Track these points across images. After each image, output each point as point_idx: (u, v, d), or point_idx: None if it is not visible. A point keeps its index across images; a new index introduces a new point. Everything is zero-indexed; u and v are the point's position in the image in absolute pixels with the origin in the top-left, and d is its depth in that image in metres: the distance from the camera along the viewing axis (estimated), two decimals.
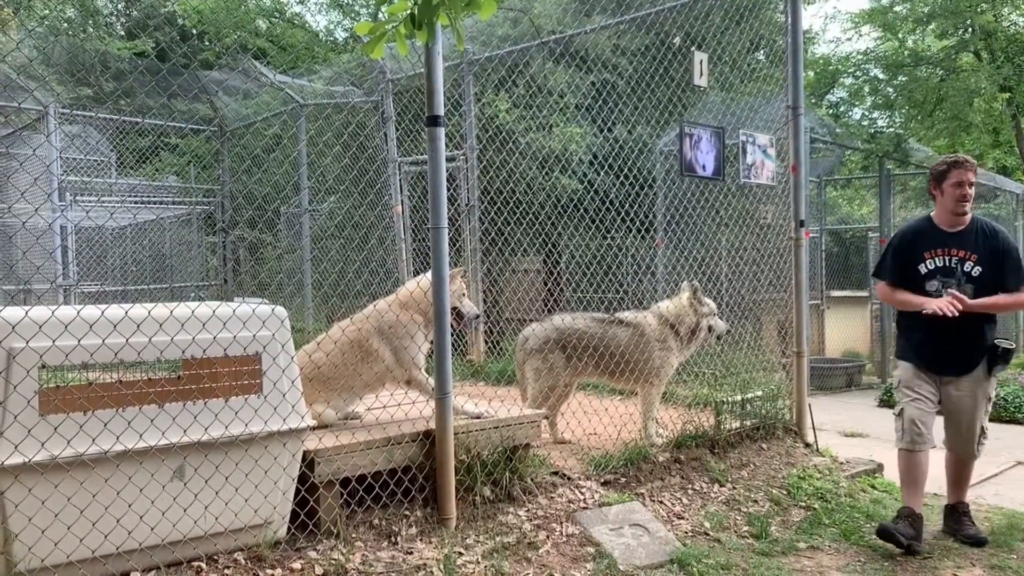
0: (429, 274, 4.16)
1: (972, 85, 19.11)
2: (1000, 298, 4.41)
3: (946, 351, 4.46)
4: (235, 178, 12.20)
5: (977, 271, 4.42)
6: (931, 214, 4.68)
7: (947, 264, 4.48)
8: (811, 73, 21.72)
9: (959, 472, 4.73)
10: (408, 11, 2.60)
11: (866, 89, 22.78)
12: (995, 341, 4.46)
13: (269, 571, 3.45)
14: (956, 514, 4.69)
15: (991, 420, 8.10)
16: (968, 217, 4.53)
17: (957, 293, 4.33)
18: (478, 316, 5.06)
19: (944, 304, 4.27)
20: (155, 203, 11.57)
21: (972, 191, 4.47)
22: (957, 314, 4.24)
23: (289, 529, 3.69)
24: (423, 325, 4.37)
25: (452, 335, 4.19)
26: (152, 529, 3.26)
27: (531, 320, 6.25)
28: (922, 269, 4.54)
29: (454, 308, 4.43)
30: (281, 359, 3.62)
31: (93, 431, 3.13)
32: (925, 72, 20.90)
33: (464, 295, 4.59)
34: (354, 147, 9.63)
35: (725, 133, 6.20)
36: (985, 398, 4.56)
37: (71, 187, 10.20)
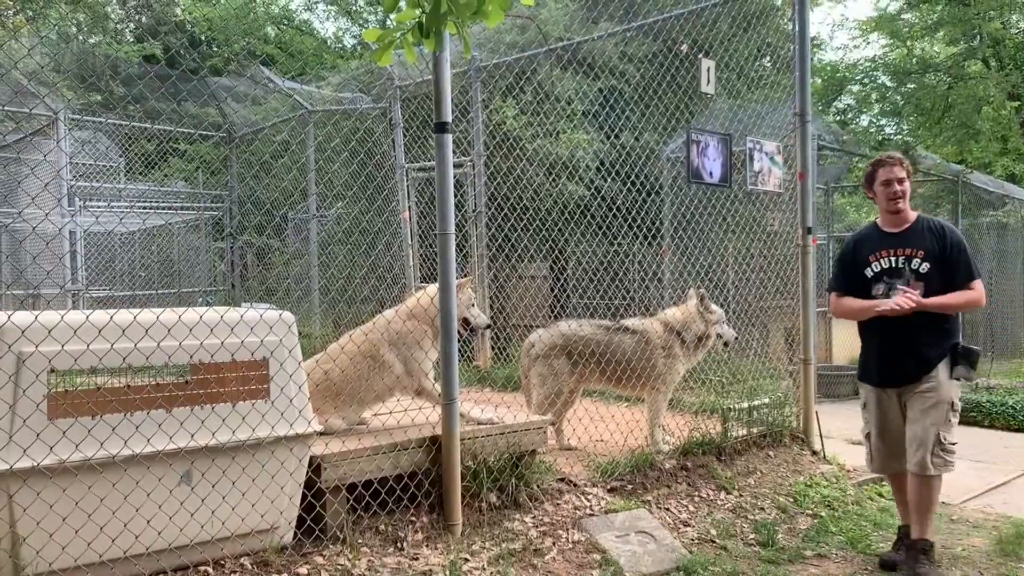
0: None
1: (980, 92, 19.08)
2: (951, 297, 4.14)
3: (898, 362, 4.21)
4: (243, 184, 12.25)
5: (925, 267, 4.17)
6: (876, 219, 4.51)
7: (894, 265, 4.26)
8: (818, 80, 21.72)
9: (916, 493, 4.13)
10: (416, 19, 2.61)
11: (874, 96, 22.76)
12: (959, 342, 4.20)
13: None
14: (914, 552, 4.11)
15: (999, 428, 8.18)
16: (911, 215, 4.33)
17: (909, 290, 4.13)
18: (488, 326, 5.06)
19: (901, 299, 4.08)
20: (164, 208, 11.62)
21: (903, 187, 4.27)
22: (913, 305, 4.04)
23: (295, 534, 3.70)
24: (432, 335, 4.38)
25: (459, 342, 4.19)
26: (159, 533, 3.27)
27: (537, 326, 6.25)
28: (868, 273, 4.32)
29: (463, 317, 4.45)
30: (288, 364, 3.63)
31: (101, 435, 3.14)
32: (933, 79, 20.86)
33: (473, 304, 4.60)
34: (362, 153, 9.66)
35: (732, 140, 6.21)
36: (944, 402, 4.09)
37: (81, 192, 10.27)
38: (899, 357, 4.21)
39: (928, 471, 4.06)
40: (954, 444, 4.12)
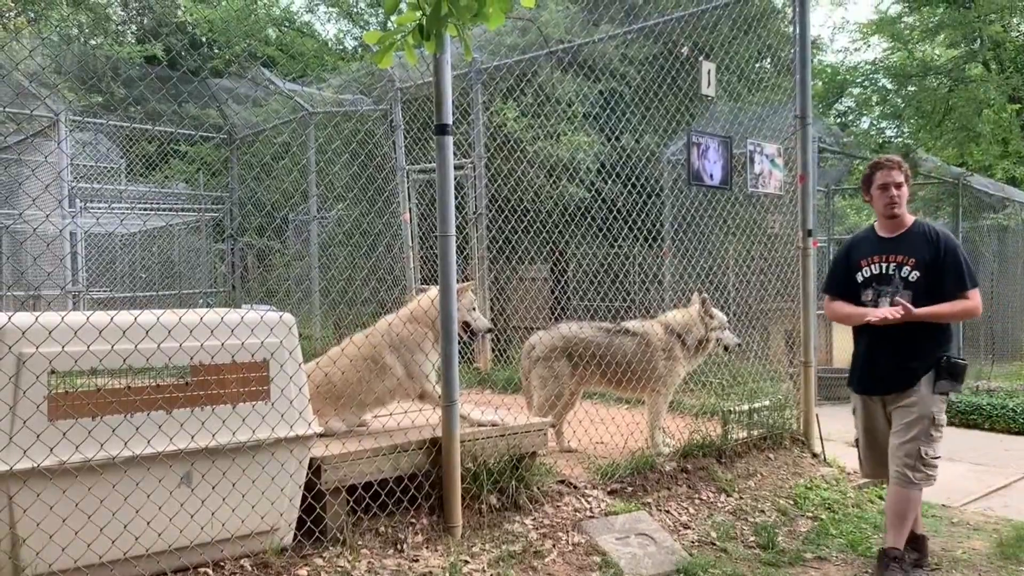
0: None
1: (981, 95, 19.09)
2: (944, 307, 4.04)
3: (883, 370, 4.16)
4: (244, 185, 12.26)
5: (915, 276, 4.09)
6: (875, 222, 4.44)
7: (883, 271, 4.19)
8: (819, 82, 21.75)
9: (895, 503, 4.11)
10: (417, 21, 2.62)
11: (874, 99, 22.78)
12: (945, 355, 4.11)
13: None
14: (885, 560, 4.04)
15: (999, 430, 8.17)
16: (908, 220, 4.25)
17: (903, 301, 4.04)
18: (489, 330, 5.06)
19: (889, 310, 4.04)
20: (164, 210, 11.63)
21: (901, 191, 4.18)
22: (900, 316, 3.97)
23: (295, 536, 3.70)
24: (433, 338, 4.38)
25: (460, 344, 4.20)
26: (159, 535, 3.27)
27: (538, 328, 6.25)
28: (858, 278, 4.27)
29: (464, 321, 4.45)
30: (289, 366, 3.63)
31: (101, 436, 3.14)
32: (934, 82, 20.88)
33: (474, 308, 4.60)
34: (363, 155, 9.66)
35: (733, 142, 6.21)
36: (925, 417, 4.02)
37: (81, 194, 10.27)
38: (883, 366, 4.17)
39: (908, 483, 4.04)
40: (936, 458, 4.07)
